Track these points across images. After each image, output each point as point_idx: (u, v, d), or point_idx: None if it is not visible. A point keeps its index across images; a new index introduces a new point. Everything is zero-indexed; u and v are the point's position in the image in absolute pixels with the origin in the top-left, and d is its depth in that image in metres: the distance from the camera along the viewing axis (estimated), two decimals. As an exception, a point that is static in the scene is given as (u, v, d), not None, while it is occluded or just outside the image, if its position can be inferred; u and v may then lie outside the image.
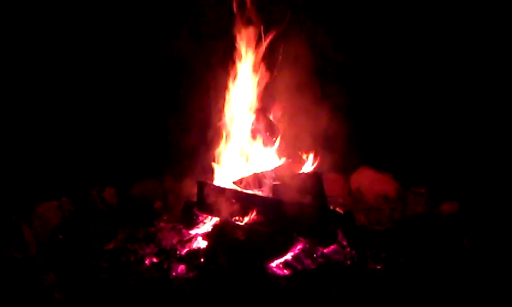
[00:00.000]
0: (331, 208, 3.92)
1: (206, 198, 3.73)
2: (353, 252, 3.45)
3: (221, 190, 3.72)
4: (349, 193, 4.62)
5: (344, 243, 3.53)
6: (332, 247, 3.49)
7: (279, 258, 3.36)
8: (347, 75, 4.99)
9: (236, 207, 3.61)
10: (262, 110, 4.03)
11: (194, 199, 3.85)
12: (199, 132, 4.16)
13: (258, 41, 3.97)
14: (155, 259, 3.47)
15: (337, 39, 4.91)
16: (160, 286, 3.15)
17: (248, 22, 3.93)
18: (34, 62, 5.03)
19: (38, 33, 5.00)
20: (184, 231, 3.79)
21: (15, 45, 4.95)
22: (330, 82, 4.78)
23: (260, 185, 3.76)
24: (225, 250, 3.34)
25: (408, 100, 5.12)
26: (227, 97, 4.04)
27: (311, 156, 4.05)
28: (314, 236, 3.47)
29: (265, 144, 3.98)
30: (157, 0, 4.99)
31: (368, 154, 4.76)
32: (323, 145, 4.15)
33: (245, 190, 3.76)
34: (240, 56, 3.99)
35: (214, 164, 4.01)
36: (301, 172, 3.98)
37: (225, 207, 3.63)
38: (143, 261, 3.46)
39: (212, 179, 3.97)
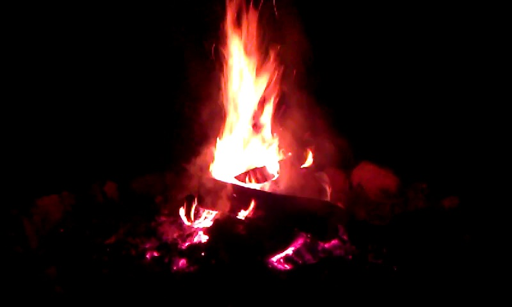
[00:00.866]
0: (332, 203, 3.92)
1: (207, 192, 3.73)
2: (354, 247, 3.45)
3: (223, 185, 3.72)
4: (349, 188, 4.61)
5: (345, 238, 3.53)
6: (333, 242, 3.49)
7: (280, 253, 3.37)
8: (349, 71, 4.99)
9: (237, 202, 3.61)
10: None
11: (196, 193, 3.85)
12: (201, 126, 4.16)
13: (260, 38, 3.97)
14: (156, 254, 3.47)
15: (338, 35, 4.91)
16: (161, 281, 3.16)
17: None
18: (34, 57, 5.03)
19: (37, 29, 5.00)
20: (184, 225, 3.79)
21: (15, 42, 4.94)
22: (331, 78, 4.78)
23: (261, 180, 3.77)
24: (226, 245, 3.34)
25: (409, 95, 5.11)
26: (229, 91, 4.03)
27: (312, 151, 4.05)
28: (315, 231, 3.47)
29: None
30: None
31: (369, 149, 4.76)
32: (324, 140, 4.15)
33: (246, 185, 3.76)
34: (243, 51, 3.98)
35: (215, 159, 4.01)
36: (302, 167, 3.98)
37: (226, 202, 3.64)
38: (144, 256, 3.46)
39: (213, 173, 3.97)
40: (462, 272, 3.08)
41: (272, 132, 4.09)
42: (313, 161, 4.06)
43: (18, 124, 4.89)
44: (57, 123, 5.03)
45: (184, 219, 3.79)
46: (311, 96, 4.15)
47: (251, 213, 3.56)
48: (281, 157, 3.99)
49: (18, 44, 4.96)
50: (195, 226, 3.75)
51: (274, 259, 3.33)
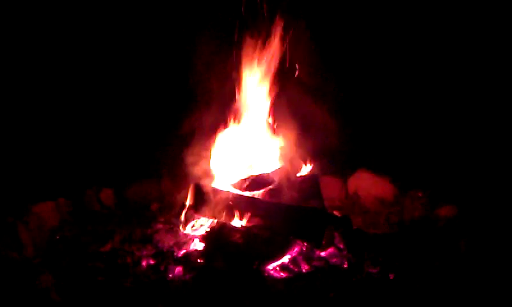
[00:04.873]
0: (329, 211, 3.92)
1: (203, 200, 3.72)
2: (350, 255, 3.45)
3: (219, 193, 3.72)
4: (346, 196, 4.62)
5: (341, 246, 3.53)
6: (329, 250, 3.49)
7: (276, 261, 3.37)
8: (346, 78, 5.00)
9: (233, 209, 3.61)
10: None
11: (192, 201, 3.85)
12: (197, 134, 4.16)
13: (262, 45, 3.98)
14: (151, 261, 3.46)
15: (336, 41, 4.93)
16: (156, 288, 3.15)
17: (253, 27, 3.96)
18: (31, 62, 5.03)
19: (37, 32, 5.01)
20: (181, 233, 3.78)
21: (14, 45, 4.95)
22: (328, 85, 4.79)
23: (257, 188, 3.76)
24: (222, 252, 3.34)
25: (406, 103, 5.13)
26: (227, 99, 4.04)
27: (309, 159, 4.05)
28: (311, 239, 3.47)
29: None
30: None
31: (365, 157, 4.76)
32: (321, 148, 4.16)
33: (243, 193, 3.76)
34: (243, 60, 3.99)
35: (212, 166, 4.01)
36: (298, 175, 3.98)
37: (222, 209, 3.64)
38: (140, 263, 3.45)
39: (209, 181, 3.97)
40: (458, 281, 3.08)
41: (269, 140, 4.09)
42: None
43: (14, 131, 4.89)
44: (53, 129, 5.02)
45: (180, 226, 3.79)
46: (309, 103, 4.17)
47: (247, 221, 3.55)
48: (277, 165, 3.99)
49: (11, 54, 4.96)
50: (191, 234, 3.74)
51: (270, 267, 3.33)
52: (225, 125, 4.06)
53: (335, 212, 3.98)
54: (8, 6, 4.89)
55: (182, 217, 3.83)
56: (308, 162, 4.07)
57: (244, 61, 3.99)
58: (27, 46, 5.05)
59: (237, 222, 3.61)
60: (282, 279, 3.24)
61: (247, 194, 3.75)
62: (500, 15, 4.91)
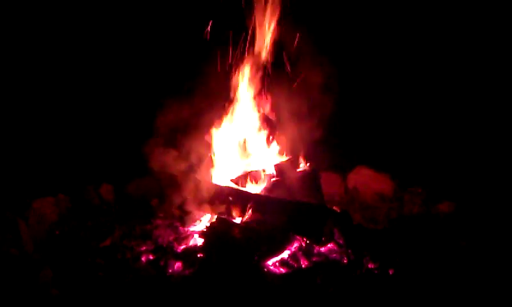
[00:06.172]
0: (328, 206, 3.92)
1: (203, 196, 3.73)
2: (350, 251, 3.45)
3: (219, 188, 3.72)
4: (345, 192, 4.62)
5: (341, 242, 3.52)
6: (329, 245, 3.49)
7: (275, 257, 3.36)
8: (346, 75, 5.00)
9: (233, 205, 3.61)
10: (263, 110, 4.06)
11: (192, 196, 3.85)
12: (197, 129, 4.16)
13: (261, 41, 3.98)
14: (151, 257, 3.47)
15: (334, 39, 4.92)
16: (156, 283, 3.15)
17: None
18: (32, 60, 5.03)
19: (38, 33, 5.02)
20: (180, 228, 3.79)
21: (14, 44, 4.95)
22: (328, 81, 4.78)
23: (257, 183, 3.77)
24: (222, 248, 3.34)
25: (406, 100, 5.14)
26: (227, 94, 4.04)
27: (308, 155, 4.06)
28: (311, 234, 3.47)
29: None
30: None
31: (365, 153, 4.77)
32: (320, 144, 4.16)
33: (242, 188, 3.76)
34: (241, 56, 3.99)
35: (212, 162, 4.01)
36: (298, 170, 3.98)
37: (222, 205, 3.64)
38: (140, 258, 3.46)
39: (209, 176, 3.97)
40: (457, 276, 3.09)
41: (269, 136, 4.09)
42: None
43: (14, 127, 4.89)
44: (53, 125, 5.03)
45: (180, 222, 3.80)
46: (309, 99, 4.17)
47: (247, 217, 3.56)
48: (277, 160, 3.99)
49: (12, 53, 4.96)
50: (191, 229, 3.74)
51: (269, 262, 3.33)
52: (224, 121, 4.06)
53: (334, 208, 3.98)
54: (8, 6, 4.89)
55: (182, 213, 3.84)
56: (307, 157, 4.07)
57: (242, 56, 3.99)
58: (29, 46, 5.05)
59: (237, 217, 3.61)
60: (281, 274, 3.25)
61: (247, 189, 3.75)
62: (499, 16, 4.91)
